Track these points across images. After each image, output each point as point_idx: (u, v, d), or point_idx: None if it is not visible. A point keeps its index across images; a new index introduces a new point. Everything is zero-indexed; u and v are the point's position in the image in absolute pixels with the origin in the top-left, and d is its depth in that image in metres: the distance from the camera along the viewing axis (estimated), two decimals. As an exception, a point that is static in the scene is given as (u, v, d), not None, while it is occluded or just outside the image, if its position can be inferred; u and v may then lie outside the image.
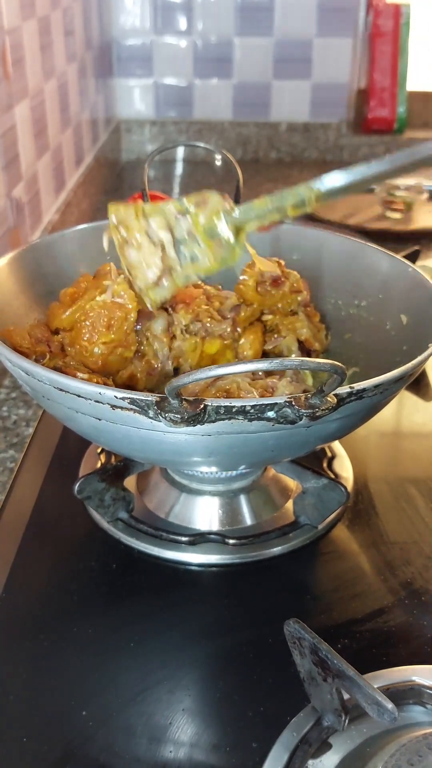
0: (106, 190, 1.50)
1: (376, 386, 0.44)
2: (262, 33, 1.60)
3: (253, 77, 1.65)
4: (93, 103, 1.41)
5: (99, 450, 0.65)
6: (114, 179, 1.60)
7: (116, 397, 0.41)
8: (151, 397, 0.40)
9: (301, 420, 0.40)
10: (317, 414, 0.40)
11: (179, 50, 1.63)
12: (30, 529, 0.59)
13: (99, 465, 0.64)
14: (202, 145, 0.75)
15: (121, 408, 0.42)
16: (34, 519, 0.60)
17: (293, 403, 0.40)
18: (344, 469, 0.65)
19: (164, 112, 1.69)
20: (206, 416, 0.40)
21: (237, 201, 0.74)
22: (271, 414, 0.40)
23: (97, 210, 1.40)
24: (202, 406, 0.40)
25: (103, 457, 0.64)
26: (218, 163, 1.65)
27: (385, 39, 1.63)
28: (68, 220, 1.16)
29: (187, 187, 1.54)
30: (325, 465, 0.65)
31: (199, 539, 0.57)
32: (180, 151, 1.71)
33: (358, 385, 0.43)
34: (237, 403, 0.40)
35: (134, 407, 0.41)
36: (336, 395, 0.41)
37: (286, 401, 0.40)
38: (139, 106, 1.69)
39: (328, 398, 0.41)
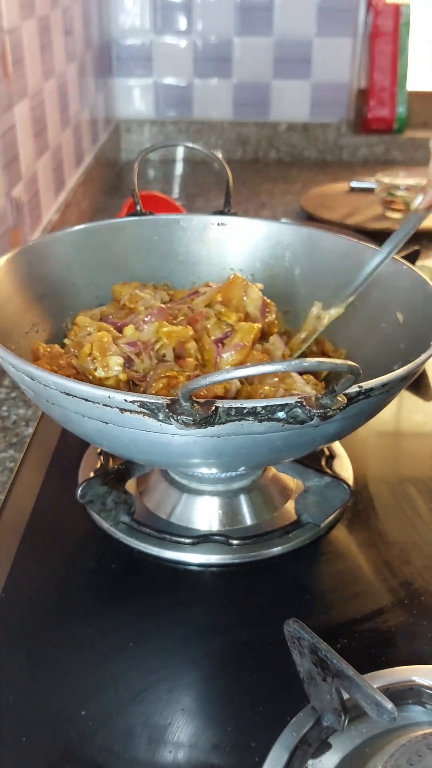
0: (105, 190, 1.50)
1: (384, 385, 0.44)
2: (262, 33, 1.60)
3: (253, 77, 1.65)
4: (93, 103, 1.41)
5: (98, 450, 0.65)
6: (114, 179, 1.60)
7: (126, 401, 0.41)
8: (162, 400, 0.40)
9: (312, 420, 0.40)
10: (328, 414, 0.40)
11: (179, 50, 1.63)
12: (30, 529, 0.59)
13: (99, 465, 0.64)
14: (190, 145, 0.74)
15: (131, 411, 0.41)
16: (34, 519, 0.60)
17: (304, 403, 0.40)
18: (344, 468, 0.65)
19: (164, 111, 1.69)
20: (217, 418, 0.40)
21: (227, 201, 0.74)
22: (281, 414, 0.40)
23: (97, 210, 1.40)
24: (213, 407, 0.39)
25: (102, 458, 0.64)
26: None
27: (385, 39, 1.63)
28: (68, 220, 1.16)
29: (187, 187, 1.54)
30: (324, 464, 0.65)
31: (202, 540, 0.57)
32: (179, 151, 1.71)
33: (367, 384, 0.43)
34: (248, 404, 0.40)
35: (144, 410, 0.41)
36: (345, 394, 0.41)
37: (297, 401, 0.40)
38: (139, 105, 1.69)
39: (339, 398, 0.41)
